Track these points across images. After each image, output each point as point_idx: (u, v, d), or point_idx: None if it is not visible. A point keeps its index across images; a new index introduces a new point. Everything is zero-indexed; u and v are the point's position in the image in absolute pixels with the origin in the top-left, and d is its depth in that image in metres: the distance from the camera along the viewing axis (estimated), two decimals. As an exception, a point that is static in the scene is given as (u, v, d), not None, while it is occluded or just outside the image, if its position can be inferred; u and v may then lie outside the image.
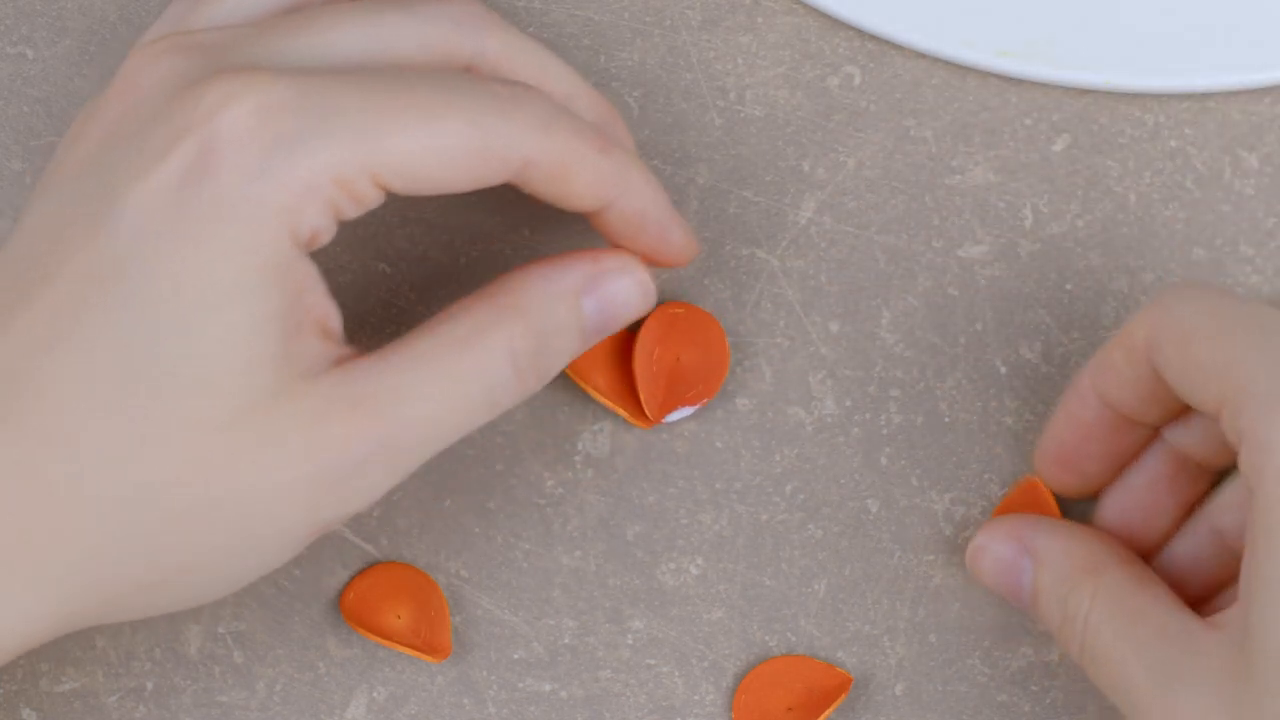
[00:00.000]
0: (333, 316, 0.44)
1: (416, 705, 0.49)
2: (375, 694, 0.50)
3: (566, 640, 0.50)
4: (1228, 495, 0.47)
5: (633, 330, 0.50)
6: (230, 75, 0.42)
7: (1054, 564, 0.47)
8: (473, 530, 0.50)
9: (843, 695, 0.49)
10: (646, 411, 0.49)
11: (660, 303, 0.50)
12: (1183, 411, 0.47)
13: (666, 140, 0.51)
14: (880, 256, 0.51)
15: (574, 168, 0.44)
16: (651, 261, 0.47)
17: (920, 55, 0.52)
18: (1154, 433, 0.47)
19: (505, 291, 0.45)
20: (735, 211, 0.51)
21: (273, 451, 0.42)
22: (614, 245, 0.46)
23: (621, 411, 0.49)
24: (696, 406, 0.50)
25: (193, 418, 0.42)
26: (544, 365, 0.45)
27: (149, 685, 0.50)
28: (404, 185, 0.43)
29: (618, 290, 0.46)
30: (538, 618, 0.50)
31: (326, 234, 0.43)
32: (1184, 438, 0.47)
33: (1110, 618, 0.45)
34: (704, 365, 0.50)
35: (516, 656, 0.50)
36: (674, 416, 0.50)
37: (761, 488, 0.50)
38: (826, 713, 0.49)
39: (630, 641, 0.50)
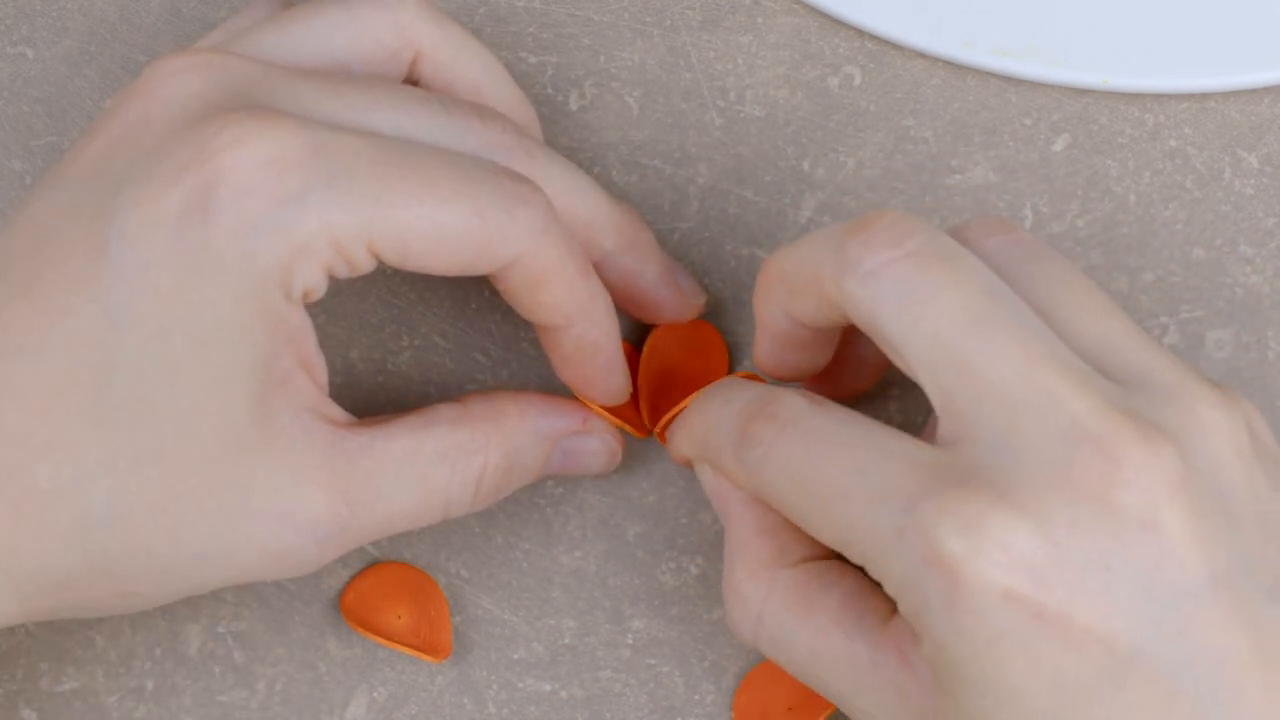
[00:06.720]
0: (319, 371, 0.44)
1: (416, 705, 0.49)
2: (375, 694, 0.50)
3: (566, 640, 0.50)
4: None
5: (635, 345, 0.50)
6: (250, 116, 0.42)
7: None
8: (473, 530, 0.50)
9: (843, 695, 0.49)
10: (647, 423, 0.49)
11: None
12: None
13: (666, 140, 0.51)
14: (880, 256, 0.51)
15: (553, 278, 0.44)
16: (582, 393, 0.48)
17: (920, 55, 0.52)
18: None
19: (493, 417, 0.46)
20: (735, 211, 0.51)
21: (239, 501, 0.42)
22: (557, 367, 0.47)
23: (621, 424, 0.49)
24: None
25: (163, 450, 0.42)
26: (499, 492, 0.46)
27: (149, 685, 0.50)
28: (396, 258, 0.43)
29: (589, 450, 0.48)
30: (538, 618, 0.50)
31: (319, 291, 0.43)
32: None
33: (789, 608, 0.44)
34: (703, 374, 0.50)
35: (516, 656, 0.50)
36: None
37: (761, 488, 0.50)
38: (827, 713, 0.49)
39: (630, 641, 0.50)
